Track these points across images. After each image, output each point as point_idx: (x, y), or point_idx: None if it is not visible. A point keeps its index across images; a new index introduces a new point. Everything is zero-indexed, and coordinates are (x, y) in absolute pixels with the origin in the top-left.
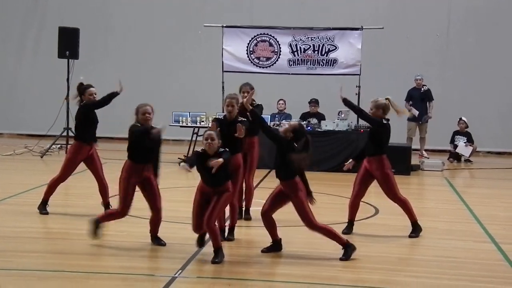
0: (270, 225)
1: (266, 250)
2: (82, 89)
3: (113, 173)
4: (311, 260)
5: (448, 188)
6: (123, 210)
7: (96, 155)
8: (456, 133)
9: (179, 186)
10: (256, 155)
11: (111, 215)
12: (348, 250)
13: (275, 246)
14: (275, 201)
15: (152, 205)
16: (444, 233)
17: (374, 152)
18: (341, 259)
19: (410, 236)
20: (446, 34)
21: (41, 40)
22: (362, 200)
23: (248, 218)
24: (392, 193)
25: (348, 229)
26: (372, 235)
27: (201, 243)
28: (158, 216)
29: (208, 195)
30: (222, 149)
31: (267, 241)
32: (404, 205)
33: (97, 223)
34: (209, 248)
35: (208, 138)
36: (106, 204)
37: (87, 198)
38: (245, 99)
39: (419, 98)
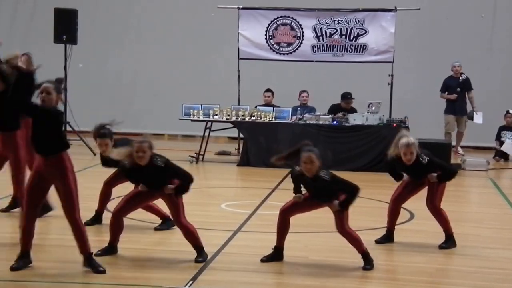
0: (285, 228)
1: (266, 259)
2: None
3: None
4: (334, 270)
5: (494, 190)
6: None
7: None
8: (502, 128)
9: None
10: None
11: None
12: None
13: (277, 254)
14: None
15: None
16: (489, 241)
17: None
18: None
19: (440, 247)
20: (492, 14)
21: (34, 22)
22: None
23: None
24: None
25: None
26: (407, 243)
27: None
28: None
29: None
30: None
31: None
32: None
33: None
34: (222, 257)
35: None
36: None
37: (86, 199)
38: None
39: (457, 88)
